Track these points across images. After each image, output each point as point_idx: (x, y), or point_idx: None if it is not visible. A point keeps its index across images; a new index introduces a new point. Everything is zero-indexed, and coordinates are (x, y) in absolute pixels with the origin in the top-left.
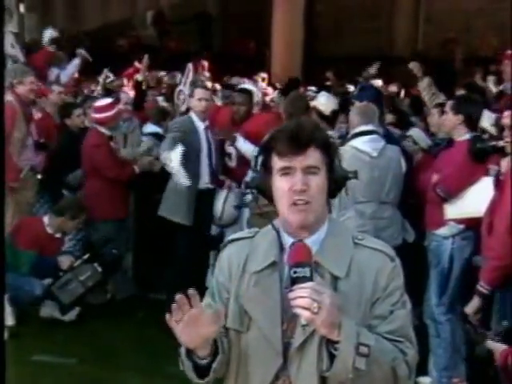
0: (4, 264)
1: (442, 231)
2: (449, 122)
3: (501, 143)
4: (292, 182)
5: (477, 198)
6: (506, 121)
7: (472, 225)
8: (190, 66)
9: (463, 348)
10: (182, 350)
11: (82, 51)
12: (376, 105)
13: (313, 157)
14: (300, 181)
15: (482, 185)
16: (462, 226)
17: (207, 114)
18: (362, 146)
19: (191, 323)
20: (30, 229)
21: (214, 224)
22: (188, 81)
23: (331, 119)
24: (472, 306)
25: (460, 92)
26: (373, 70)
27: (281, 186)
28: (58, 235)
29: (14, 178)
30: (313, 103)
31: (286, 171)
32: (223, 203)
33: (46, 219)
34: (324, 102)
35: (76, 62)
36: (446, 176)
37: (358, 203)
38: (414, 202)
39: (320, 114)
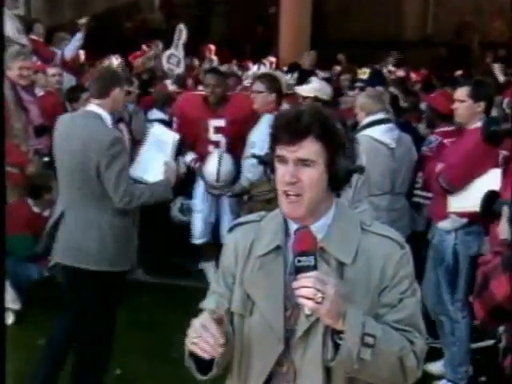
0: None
1: (444, 224)
2: (468, 111)
3: None
4: (283, 172)
5: (482, 191)
6: None
7: (476, 219)
8: (181, 26)
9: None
10: (187, 349)
11: (84, 21)
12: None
13: (307, 149)
14: (289, 173)
15: (488, 177)
16: (464, 220)
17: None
18: (381, 137)
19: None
20: (18, 213)
21: (212, 188)
22: (180, 43)
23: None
24: None
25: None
26: (391, 60)
27: (277, 172)
28: (46, 213)
29: (25, 161)
30: (311, 93)
31: (281, 159)
32: (218, 164)
33: (30, 201)
34: (324, 90)
35: (79, 35)
36: (451, 166)
37: (373, 196)
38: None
39: (321, 100)
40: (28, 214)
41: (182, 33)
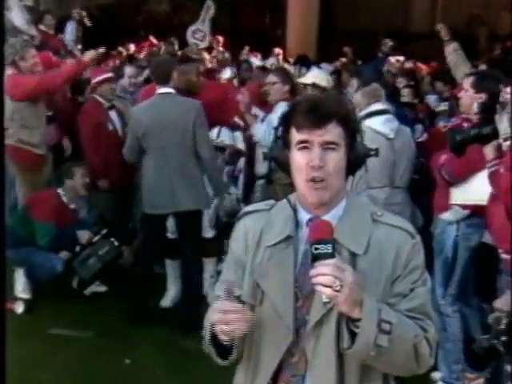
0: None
1: (446, 216)
2: (470, 100)
3: (487, 130)
4: (309, 157)
5: (484, 185)
6: (507, 96)
7: (479, 211)
8: (209, 2)
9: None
10: (206, 336)
11: (77, 12)
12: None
13: (332, 132)
14: (317, 157)
15: None
16: (466, 212)
17: None
18: (380, 128)
19: (225, 317)
20: (48, 201)
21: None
22: (207, 18)
23: None
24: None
25: (482, 67)
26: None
27: (298, 160)
28: (72, 206)
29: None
30: (309, 80)
31: (304, 145)
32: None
33: (60, 190)
34: (323, 77)
35: (71, 24)
36: (454, 158)
37: (372, 188)
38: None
39: (319, 87)
40: (57, 203)
41: (210, 8)
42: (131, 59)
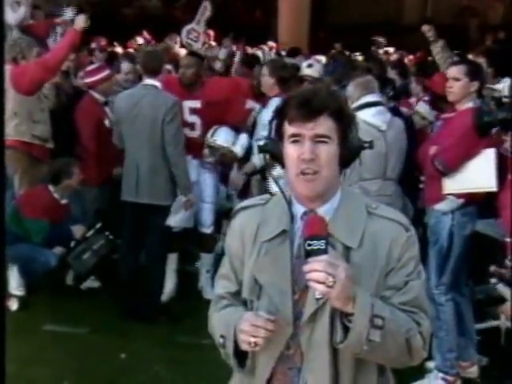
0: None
1: (441, 206)
2: (463, 89)
3: None
4: (300, 150)
5: (477, 172)
6: None
7: (473, 200)
8: (206, 3)
9: (473, 329)
10: (229, 342)
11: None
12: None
13: (324, 125)
14: (308, 150)
15: (483, 158)
16: (461, 201)
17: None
18: (371, 119)
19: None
20: (39, 198)
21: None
22: (203, 18)
23: None
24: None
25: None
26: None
27: (290, 153)
28: (64, 201)
29: None
30: (305, 72)
31: (296, 139)
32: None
33: (50, 186)
34: (316, 69)
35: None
36: (446, 148)
37: (363, 180)
38: (415, 177)
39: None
40: (48, 200)
41: (206, 9)
42: (127, 55)
